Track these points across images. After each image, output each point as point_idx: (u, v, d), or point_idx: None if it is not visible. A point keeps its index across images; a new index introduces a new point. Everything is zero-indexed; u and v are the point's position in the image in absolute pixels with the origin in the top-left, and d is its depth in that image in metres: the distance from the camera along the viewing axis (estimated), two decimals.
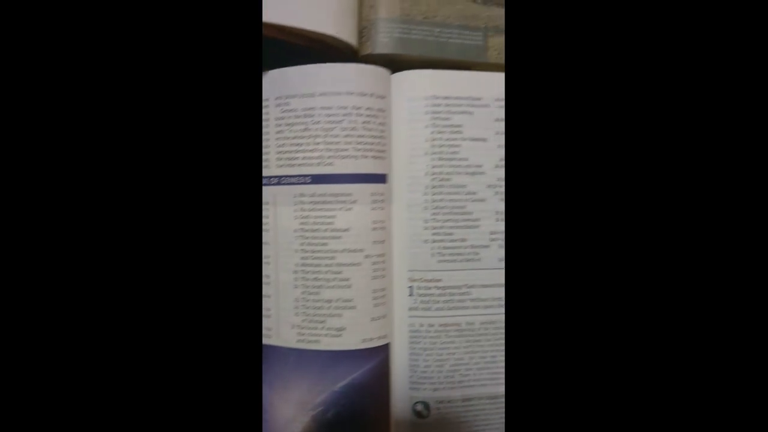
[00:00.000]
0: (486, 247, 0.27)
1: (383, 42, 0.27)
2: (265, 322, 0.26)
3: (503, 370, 0.27)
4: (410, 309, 0.27)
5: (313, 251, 0.25)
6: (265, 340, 0.26)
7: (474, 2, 0.28)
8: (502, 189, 0.27)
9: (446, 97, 0.26)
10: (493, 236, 0.27)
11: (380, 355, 0.26)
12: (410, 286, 0.26)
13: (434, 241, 0.26)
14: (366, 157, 0.25)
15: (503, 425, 0.27)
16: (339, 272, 0.25)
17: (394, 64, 0.27)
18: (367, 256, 0.25)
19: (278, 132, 0.26)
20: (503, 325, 0.27)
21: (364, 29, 0.27)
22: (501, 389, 0.27)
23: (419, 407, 0.27)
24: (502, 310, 0.27)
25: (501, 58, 0.28)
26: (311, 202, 0.25)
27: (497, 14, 0.28)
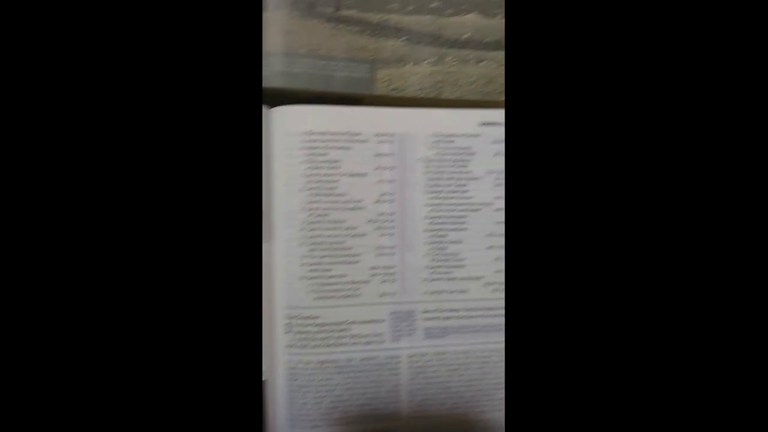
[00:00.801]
0: (366, 282, 0.26)
1: (266, 76, 0.27)
2: None
3: (385, 407, 0.27)
4: (288, 346, 0.26)
5: None
6: None
7: (361, 34, 0.28)
8: (383, 224, 0.26)
9: (323, 133, 0.26)
10: (374, 271, 0.26)
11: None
12: (287, 323, 0.26)
13: (311, 278, 0.26)
14: None
15: None
16: None
17: (280, 97, 0.27)
18: None
19: None
20: (385, 361, 0.27)
21: None
22: (383, 425, 0.27)
23: None
24: (383, 345, 0.27)
25: (389, 90, 0.28)
26: None
27: (385, 46, 0.28)
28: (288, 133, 0.26)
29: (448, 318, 0.27)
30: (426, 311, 0.27)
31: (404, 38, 0.28)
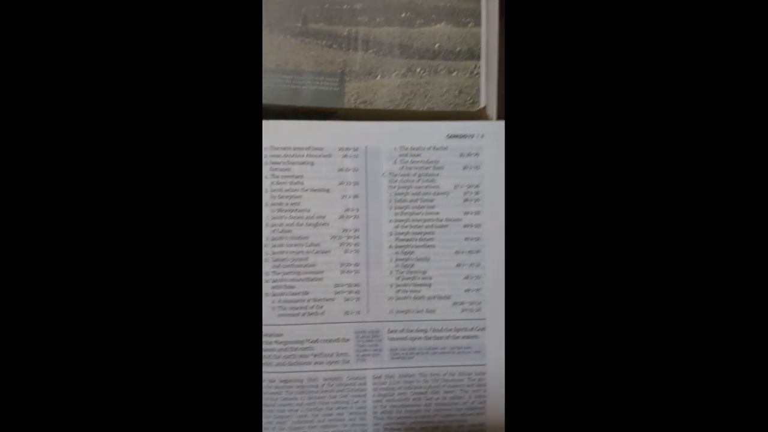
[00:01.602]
0: (330, 300, 0.26)
1: None
2: None
3: (350, 428, 0.26)
4: None
5: None
6: None
7: (329, 47, 0.27)
8: (347, 239, 0.26)
9: (286, 148, 0.25)
10: (338, 289, 0.26)
11: None
12: None
13: (274, 294, 0.26)
14: None
15: None
16: None
17: None
18: None
19: None
20: (349, 381, 0.26)
21: None
22: None
23: None
24: (347, 365, 0.26)
25: (359, 103, 0.27)
26: None
27: (354, 58, 0.27)
28: None
29: (415, 338, 0.26)
30: (392, 331, 0.26)
31: (373, 50, 0.27)
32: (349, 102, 0.28)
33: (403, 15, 0.27)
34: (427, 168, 0.26)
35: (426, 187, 0.26)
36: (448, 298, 0.26)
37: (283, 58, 0.27)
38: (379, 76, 0.27)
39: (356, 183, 0.26)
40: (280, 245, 0.25)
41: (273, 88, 0.27)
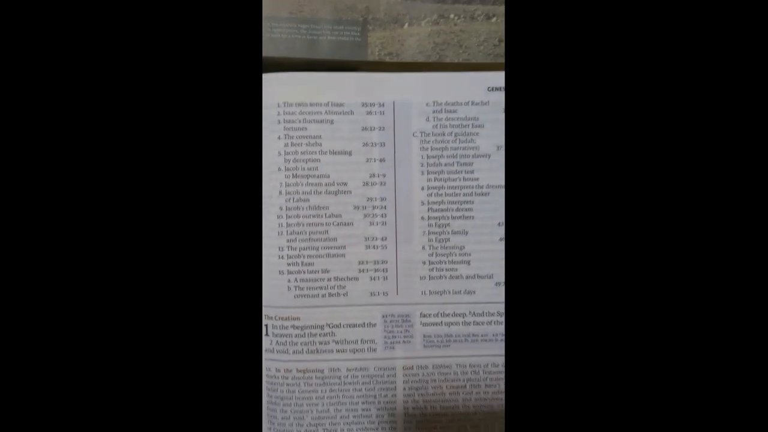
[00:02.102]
0: (354, 279, 0.23)
1: None
2: None
3: (377, 426, 0.23)
4: (267, 351, 0.23)
5: None
6: None
7: None
8: (372, 210, 0.22)
9: (301, 104, 0.22)
10: (363, 266, 0.23)
11: None
12: (266, 325, 0.23)
13: (290, 273, 0.22)
14: None
15: None
16: None
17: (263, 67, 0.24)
18: None
19: None
20: (376, 372, 0.23)
21: None
22: None
23: None
24: (374, 354, 0.23)
25: (383, 56, 0.24)
26: None
27: (378, 3, 0.24)
28: (265, 105, 0.22)
29: (451, 324, 0.23)
30: (425, 315, 0.23)
31: None
32: (373, 54, 0.24)
33: None
34: (464, 126, 0.22)
35: (464, 148, 0.22)
36: (490, 277, 0.23)
37: (298, 5, 0.24)
38: (406, 24, 0.24)
39: (382, 144, 0.22)
40: (296, 216, 0.22)
41: (286, 39, 0.24)
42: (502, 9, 0.24)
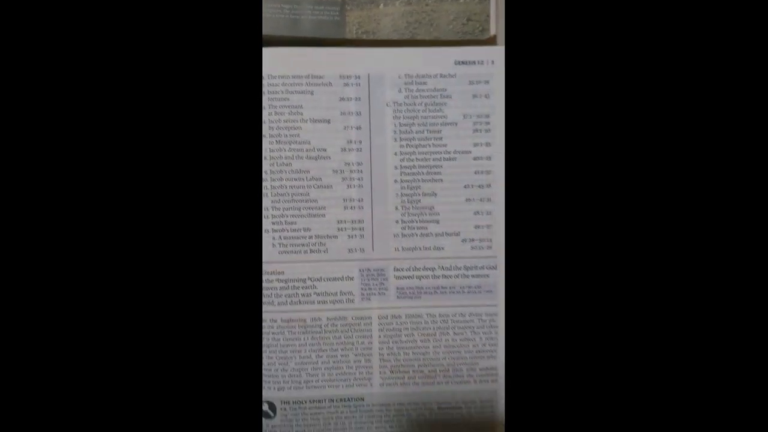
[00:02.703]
0: (333, 237, 0.25)
1: None
2: None
3: (355, 370, 0.25)
4: None
5: None
6: None
7: None
8: (349, 174, 0.25)
9: (283, 76, 0.24)
10: (341, 225, 0.25)
11: None
12: None
13: (275, 231, 0.25)
14: None
15: (360, 431, 0.25)
16: None
17: None
18: None
19: None
20: (354, 321, 0.25)
21: None
22: (352, 391, 0.25)
23: (265, 407, 0.25)
24: (352, 305, 0.25)
25: (361, 33, 0.26)
26: None
27: None
28: None
29: (422, 277, 0.25)
30: (398, 269, 0.25)
31: None
32: (351, 33, 0.26)
33: None
34: (433, 97, 0.25)
35: (433, 117, 0.25)
36: (457, 234, 0.25)
37: None
38: (382, 5, 0.26)
39: (358, 113, 0.25)
40: (280, 179, 0.24)
41: (270, 18, 0.26)
42: None
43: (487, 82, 0.25)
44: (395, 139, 0.25)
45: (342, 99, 0.24)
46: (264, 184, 0.24)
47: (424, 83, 0.25)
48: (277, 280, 0.25)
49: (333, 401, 0.25)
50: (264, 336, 0.25)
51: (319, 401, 0.25)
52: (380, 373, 0.25)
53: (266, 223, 0.24)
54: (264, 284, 0.25)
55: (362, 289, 0.25)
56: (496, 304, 0.25)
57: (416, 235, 0.25)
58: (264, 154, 0.24)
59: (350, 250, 0.25)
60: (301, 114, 0.24)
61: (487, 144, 0.25)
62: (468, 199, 0.25)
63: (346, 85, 0.24)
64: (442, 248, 0.25)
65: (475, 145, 0.25)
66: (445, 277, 0.25)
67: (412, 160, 0.25)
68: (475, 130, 0.25)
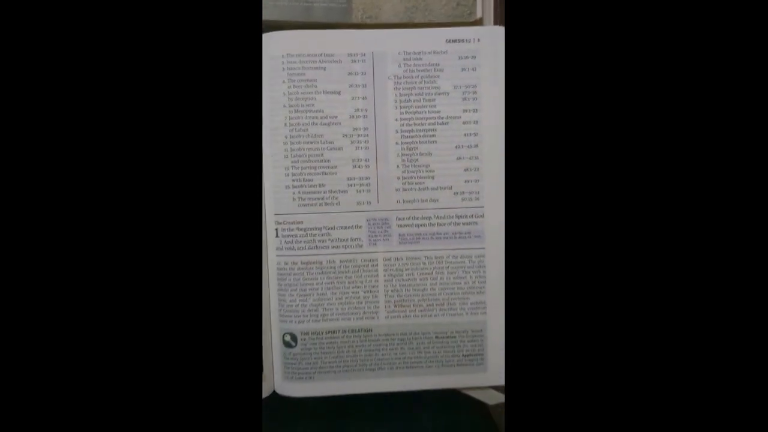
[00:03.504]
0: (344, 192, 0.29)
1: None
2: None
3: (364, 305, 0.29)
4: (277, 249, 0.29)
5: None
6: None
7: None
8: (357, 137, 0.29)
9: (299, 55, 0.28)
10: (350, 182, 0.29)
11: None
12: (276, 228, 0.29)
13: (294, 187, 0.29)
14: None
15: (368, 357, 0.29)
16: None
17: (267, 28, 0.30)
18: None
19: None
20: (363, 263, 0.29)
21: None
22: (361, 323, 0.29)
23: (287, 338, 0.30)
24: (361, 249, 0.29)
25: (364, 18, 0.30)
26: None
27: None
28: (271, 57, 0.29)
29: (420, 225, 0.29)
30: (399, 218, 0.29)
31: None
32: (356, 18, 0.30)
33: None
34: (428, 70, 0.29)
35: (428, 88, 0.29)
36: (450, 188, 0.29)
37: None
38: None
39: (364, 86, 0.29)
40: (298, 143, 0.29)
41: (287, 6, 0.30)
42: None
43: (474, 57, 0.29)
44: (396, 108, 0.29)
45: (350, 74, 0.29)
46: (285, 147, 0.29)
47: (420, 59, 0.29)
48: (297, 228, 0.29)
49: (345, 332, 0.29)
50: (287, 277, 0.29)
51: (334, 332, 0.29)
52: (385, 307, 0.29)
53: (287, 181, 0.29)
54: (286, 232, 0.29)
55: (369, 235, 0.29)
56: (483, 247, 0.29)
57: (415, 189, 0.29)
58: (284, 121, 0.29)
59: (359, 203, 0.29)
60: (316, 87, 0.28)
61: (474, 110, 0.29)
62: (459, 158, 0.29)
63: (354, 61, 0.28)
64: (437, 200, 0.29)
65: (464, 111, 0.29)
66: (439, 224, 0.29)
67: (411, 125, 0.29)
68: (464, 99, 0.29)
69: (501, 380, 0.30)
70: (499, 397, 0.30)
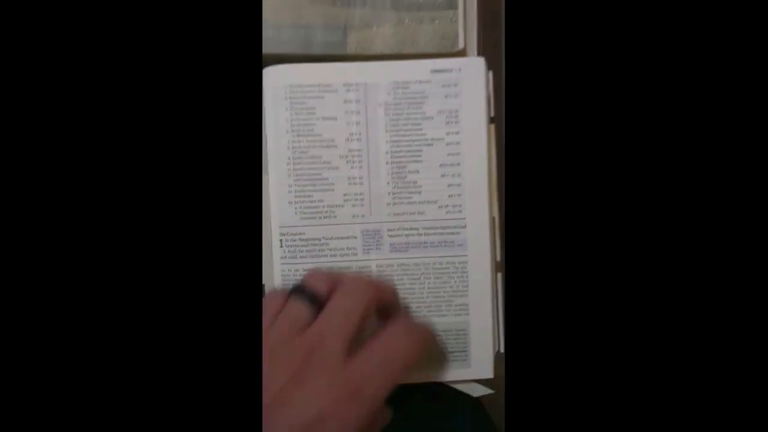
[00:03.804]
0: (341, 206, 0.32)
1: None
2: None
3: None
4: (281, 258, 0.33)
5: None
6: None
7: (334, 5, 0.33)
8: (352, 158, 0.32)
9: (301, 85, 0.32)
10: (346, 197, 0.32)
11: None
12: (280, 239, 0.33)
13: (297, 202, 0.32)
14: None
15: None
16: None
17: (271, 60, 0.33)
18: None
19: None
20: (357, 270, 0.33)
21: None
22: None
23: None
24: (356, 257, 0.33)
25: (358, 50, 0.33)
26: None
27: (353, 14, 0.33)
28: (275, 87, 0.32)
29: (408, 235, 0.32)
30: (390, 230, 0.33)
31: (369, 6, 0.33)
32: (351, 49, 0.34)
33: None
34: (415, 98, 0.32)
35: (415, 113, 0.32)
36: (435, 202, 0.32)
37: (297, 16, 0.33)
38: (375, 27, 0.33)
39: (358, 112, 0.32)
40: (300, 164, 0.32)
41: (289, 40, 0.33)
42: (443, 14, 0.33)
43: (456, 85, 0.32)
44: (386, 131, 0.32)
45: (345, 101, 0.32)
46: (288, 167, 0.32)
47: (407, 87, 0.32)
48: (299, 239, 0.32)
49: None
50: (290, 282, 0.33)
51: None
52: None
53: (290, 197, 0.32)
54: (289, 242, 0.32)
55: (363, 245, 0.33)
56: (466, 254, 0.32)
57: (404, 203, 0.32)
58: (287, 145, 0.32)
59: (354, 216, 0.32)
60: (315, 113, 0.32)
61: (456, 133, 0.32)
62: (443, 175, 0.32)
63: (348, 91, 0.32)
64: (424, 213, 0.32)
65: (447, 133, 0.32)
66: (426, 234, 0.32)
67: (400, 147, 0.32)
68: (447, 122, 0.32)
69: (484, 374, 0.33)
70: (483, 390, 0.34)
